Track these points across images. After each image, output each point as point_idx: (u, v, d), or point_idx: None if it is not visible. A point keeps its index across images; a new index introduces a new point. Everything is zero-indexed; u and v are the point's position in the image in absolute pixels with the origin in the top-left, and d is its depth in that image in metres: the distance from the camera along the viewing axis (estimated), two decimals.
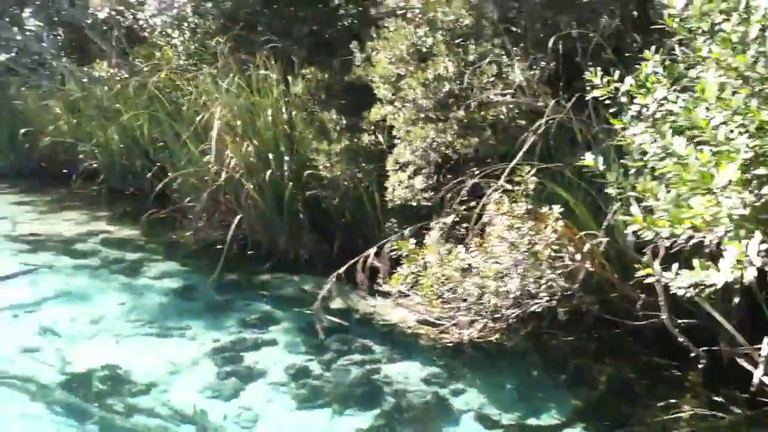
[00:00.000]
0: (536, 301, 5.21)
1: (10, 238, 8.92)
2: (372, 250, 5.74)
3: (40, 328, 6.49)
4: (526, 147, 5.46)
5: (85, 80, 11.10)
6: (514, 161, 5.38)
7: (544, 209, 4.93)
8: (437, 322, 5.81)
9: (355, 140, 6.97)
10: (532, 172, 5.10)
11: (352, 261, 5.96)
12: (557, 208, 4.89)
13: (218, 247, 7.85)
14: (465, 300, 5.13)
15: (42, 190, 11.19)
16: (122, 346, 6.26)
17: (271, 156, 7.74)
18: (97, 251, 8.47)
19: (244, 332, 6.46)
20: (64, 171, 11.46)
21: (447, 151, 5.85)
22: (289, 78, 7.80)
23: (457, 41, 5.83)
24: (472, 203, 5.79)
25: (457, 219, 5.55)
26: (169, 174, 8.86)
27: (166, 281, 7.60)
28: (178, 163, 8.60)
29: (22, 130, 11.72)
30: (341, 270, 5.97)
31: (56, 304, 7.03)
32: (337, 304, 6.58)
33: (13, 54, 11.79)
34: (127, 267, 7.98)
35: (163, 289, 7.41)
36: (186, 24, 9.20)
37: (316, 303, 6.09)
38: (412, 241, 5.24)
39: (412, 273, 5.04)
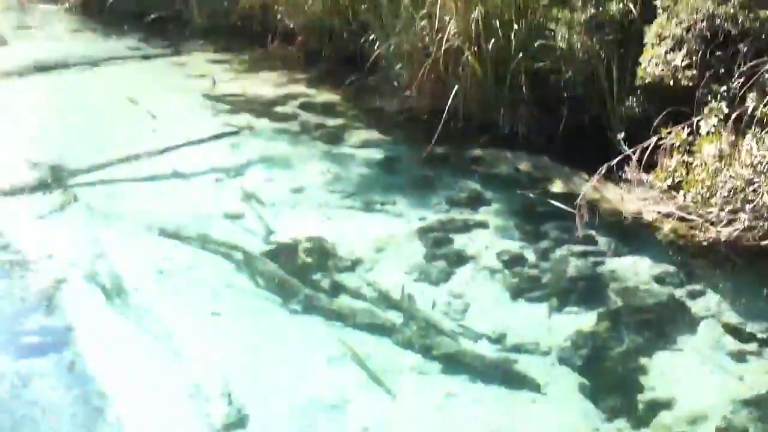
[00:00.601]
0: None
1: (210, 97, 8.72)
2: (651, 141, 4.92)
3: (243, 193, 6.26)
4: None
5: None
6: None
7: None
8: (686, 216, 5.05)
9: (601, 9, 6.14)
10: None
11: (624, 154, 5.12)
12: None
13: (425, 117, 7.33)
14: (732, 194, 4.33)
15: (238, 49, 10.92)
16: (326, 217, 5.94)
17: (497, 23, 6.94)
18: (296, 115, 8.14)
19: (452, 211, 5.98)
20: (260, 30, 11.20)
21: (725, 24, 4.92)
22: None
23: None
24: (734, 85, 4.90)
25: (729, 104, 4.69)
26: (371, 38, 8.35)
27: (370, 151, 7.16)
28: (389, 29, 7.99)
29: None
30: (613, 162, 5.18)
31: (258, 169, 6.78)
32: (557, 187, 5.93)
33: None
34: (328, 134, 7.60)
35: (367, 159, 6.98)
36: None
37: (580, 197, 5.35)
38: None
39: (684, 163, 4.28)
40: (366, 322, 4.70)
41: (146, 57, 10.56)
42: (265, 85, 9.20)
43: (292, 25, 10.51)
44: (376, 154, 7.10)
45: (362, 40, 8.65)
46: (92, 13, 13.09)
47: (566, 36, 6.34)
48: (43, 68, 9.85)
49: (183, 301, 4.89)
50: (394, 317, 4.75)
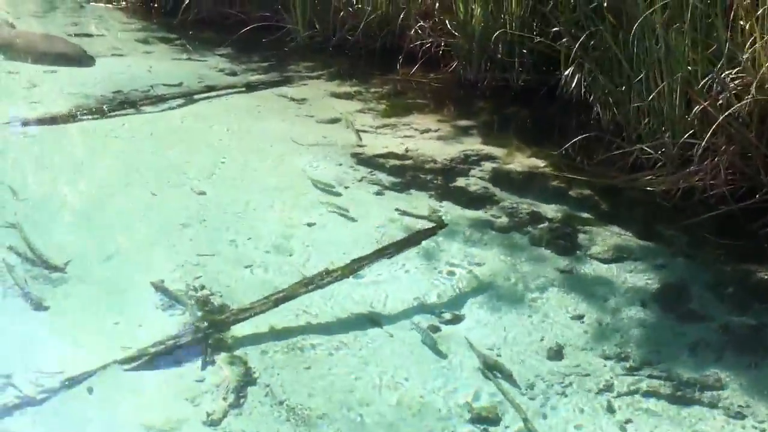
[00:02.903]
0: None
1: (362, 159, 6.61)
2: None
3: (480, 359, 4.25)
4: None
5: None
6: None
7: None
8: None
9: None
10: None
11: None
12: None
13: (722, 209, 5.35)
14: None
15: (360, 75, 8.93)
16: (625, 420, 3.91)
17: None
18: (492, 196, 6.01)
19: None
20: (383, 49, 9.21)
21: None
22: None
23: None
24: None
25: None
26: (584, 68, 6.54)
27: (636, 271, 5.00)
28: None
29: None
30: None
31: (481, 308, 4.71)
32: None
33: None
34: (553, 233, 5.47)
35: (636, 289, 4.84)
36: None
37: None
38: None
39: None
40: None
41: (250, 87, 8.56)
42: (424, 137, 7.20)
43: (429, 44, 8.59)
44: (648, 279, 4.95)
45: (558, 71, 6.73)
46: (153, 16, 11.17)
47: None
48: (129, 102, 7.90)
49: None
50: None
